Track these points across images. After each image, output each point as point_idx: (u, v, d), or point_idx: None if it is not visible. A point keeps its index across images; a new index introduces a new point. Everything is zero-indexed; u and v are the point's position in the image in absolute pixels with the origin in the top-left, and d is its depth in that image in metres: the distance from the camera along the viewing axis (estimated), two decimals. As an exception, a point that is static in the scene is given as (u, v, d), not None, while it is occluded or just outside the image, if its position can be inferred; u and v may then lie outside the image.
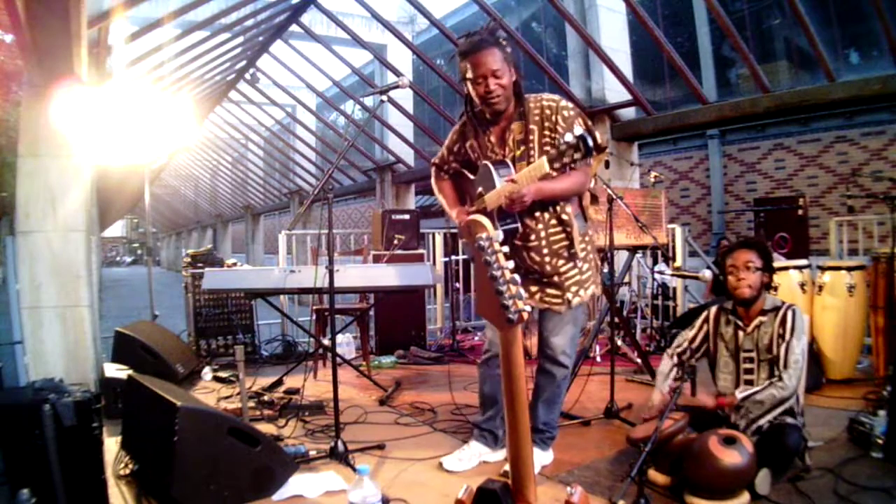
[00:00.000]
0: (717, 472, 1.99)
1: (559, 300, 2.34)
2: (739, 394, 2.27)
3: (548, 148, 2.24)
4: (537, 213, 2.32)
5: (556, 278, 2.34)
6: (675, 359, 2.55)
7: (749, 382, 2.36)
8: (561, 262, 2.34)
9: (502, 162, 2.29)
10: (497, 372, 2.47)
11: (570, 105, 2.32)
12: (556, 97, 2.33)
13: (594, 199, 2.51)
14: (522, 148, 2.30)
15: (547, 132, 2.28)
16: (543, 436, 2.45)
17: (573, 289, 2.35)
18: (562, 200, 2.32)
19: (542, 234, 2.32)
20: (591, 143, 1.92)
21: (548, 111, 2.29)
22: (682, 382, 2.34)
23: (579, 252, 2.34)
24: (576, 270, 2.36)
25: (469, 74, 2.23)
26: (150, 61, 6.09)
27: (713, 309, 2.55)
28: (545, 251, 2.33)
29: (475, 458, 2.47)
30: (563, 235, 2.33)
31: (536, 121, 2.29)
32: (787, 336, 2.30)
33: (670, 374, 2.52)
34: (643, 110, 6.29)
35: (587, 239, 2.42)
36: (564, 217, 2.32)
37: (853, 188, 8.21)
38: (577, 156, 1.93)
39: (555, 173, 2.07)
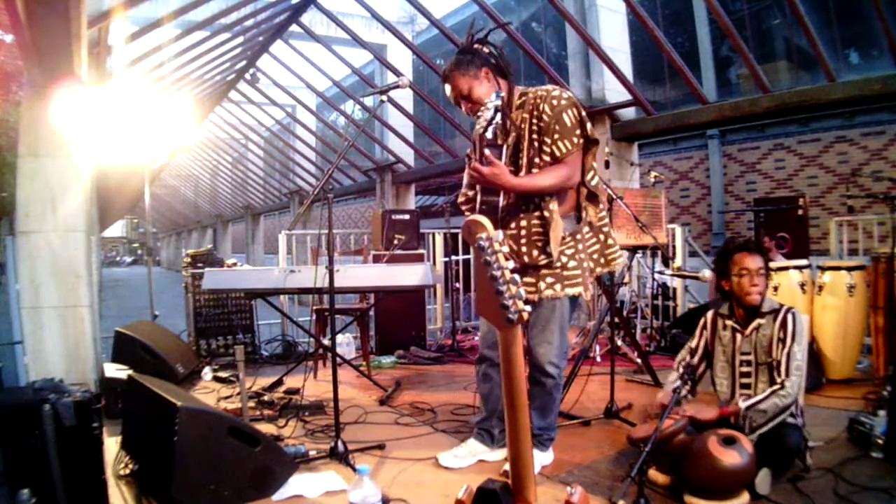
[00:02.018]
0: (717, 472, 1.98)
1: (532, 289, 2.33)
2: (743, 403, 2.24)
3: (535, 136, 2.30)
4: (522, 205, 2.33)
5: (531, 270, 2.33)
6: (681, 369, 2.52)
7: (746, 387, 2.35)
8: (536, 251, 2.32)
9: (495, 144, 2.32)
10: (488, 370, 2.49)
11: (565, 95, 2.31)
12: (550, 87, 2.34)
13: (593, 198, 2.45)
14: (513, 136, 2.36)
15: (534, 122, 2.31)
16: (541, 438, 2.45)
17: (548, 280, 2.32)
18: (545, 194, 2.29)
19: (524, 223, 2.33)
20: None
21: (538, 101, 2.31)
22: (683, 383, 2.34)
23: (555, 252, 2.29)
24: (555, 267, 2.33)
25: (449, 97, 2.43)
26: (150, 61, 6.09)
27: (709, 314, 2.54)
28: (523, 241, 2.33)
29: (471, 456, 2.47)
30: (542, 230, 2.32)
31: (526, 114, 2.33)
32: (789, 341, 2.27)
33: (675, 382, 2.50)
34: (643, 110, 6.29)
35: (578, 237, 2.37)
36: (546, 214, 2.30)
37: (853, 188, 8.22)
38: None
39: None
